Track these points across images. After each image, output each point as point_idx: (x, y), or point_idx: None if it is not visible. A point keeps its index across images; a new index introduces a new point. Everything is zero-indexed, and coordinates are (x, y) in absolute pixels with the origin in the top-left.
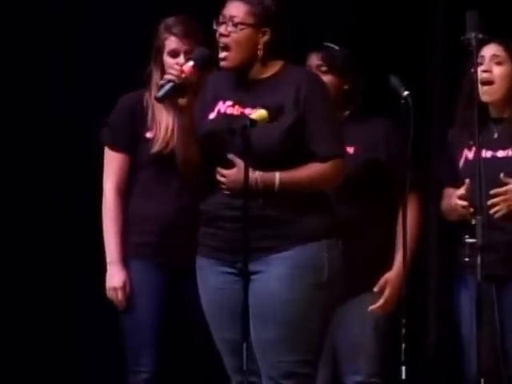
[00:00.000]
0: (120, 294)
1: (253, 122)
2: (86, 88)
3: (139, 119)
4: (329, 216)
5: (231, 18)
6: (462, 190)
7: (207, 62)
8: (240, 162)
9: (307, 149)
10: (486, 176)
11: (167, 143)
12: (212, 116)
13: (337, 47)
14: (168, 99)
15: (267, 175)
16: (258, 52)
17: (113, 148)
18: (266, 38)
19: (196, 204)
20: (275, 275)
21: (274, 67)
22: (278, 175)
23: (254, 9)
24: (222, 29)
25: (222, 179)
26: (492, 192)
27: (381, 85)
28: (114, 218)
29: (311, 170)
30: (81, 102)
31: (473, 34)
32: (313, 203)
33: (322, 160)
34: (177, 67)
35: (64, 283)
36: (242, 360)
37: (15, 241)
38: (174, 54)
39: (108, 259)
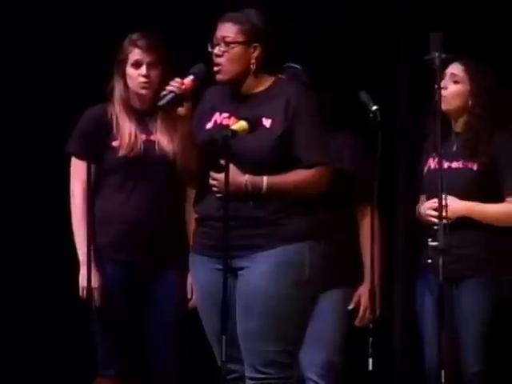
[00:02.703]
0: (94, 294)
1: (233, 132)
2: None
3: (105, 130)
4: (313, 218)
5: (223, 38)
6: (432, 203)
7: (205, 76)
8: (231, 167)
9: (294, 156)
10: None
11: (132, 148)
12: (209, 126)
13: (299, 66)
14: (168, 108)
15: (256, 178)
16: (251, 66)
17: (80, 157)
18: (257, 53)
19: (162, 205)
20: (260, 271)
21: (267, 82)
22: (265, 179)
23: (243, 27)
24: (216, 50)
25: (214, 182)
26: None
27: (351, 100)
28: (83, 222)
29: (297, 175)
30: (51, 113)
31: (436, 54)
32: (299, 206)
33: (308, 167)
34: (176, 81)
35: (40, 283)
36: (230, 350)
37: None
38: (138, 65)
39: (81, 260)
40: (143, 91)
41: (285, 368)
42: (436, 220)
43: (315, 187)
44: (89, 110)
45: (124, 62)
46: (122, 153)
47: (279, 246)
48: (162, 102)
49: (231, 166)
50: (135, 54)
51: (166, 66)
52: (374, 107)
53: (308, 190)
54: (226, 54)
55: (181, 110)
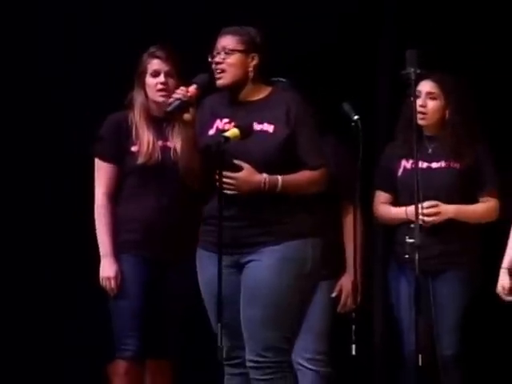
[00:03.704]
0: (112, 283)
1: (226, 139)
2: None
3: (125, 135)
4: (314, 217)
5: (224, 48)
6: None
7: (206, 85)
8: (247, 166)
9: (297, 159)
10: (423, 183)
11: (150, 156)
12: (211, 132)
13: (285, 80)
14: (175, 113)
15: (272, 177)
16: (249, 74)
17: (103, 159)
18: (254, 62)
19: (176, 205)
20: (265, 265)
21: (265, 91)
22: (280, 178)
23: (242, 38)
24: (217, 58)
25: (232, 181)
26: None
27: (336, 110)
28: (105, 219)
29: (305, 175)
30: (76, 119)
31: (411, 70)
32: (301, 206)
33: (313, 168)
34: (182, 89)
35: (63, 275)
36: (234, 340)
37: (22, 241)
38: (156, 74)
39: (102, 253)
40: (161, 98)
41: (283, 353)
42: (432, 219)
43: (319, 186)
44: (111, 116)
45: (144, 73)
46: (141, 160)
47: (283, 243)
48: (169, 108)
49: (248, 166)
50: (154, 65)
51: (181, 76)
52: (356, 117)
53: (313, 189)
54: (226, 60)
55: (187, 116)
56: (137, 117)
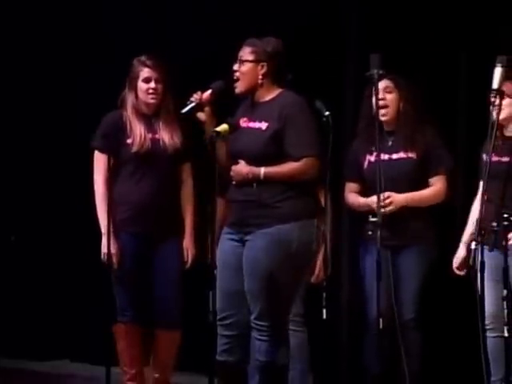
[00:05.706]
0: (114, 258)
1: (217, 133)
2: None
3: (120, 130)
4: (306, 201)
5: (240, 57)
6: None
7: (221, 90)
8: (241, 162)
9: (285, 152)
10: (385, 172)
11: (142, 145)
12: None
13: None
14: (189, 114)
15: (255, 168)
16: (259, 80)
17: (101, 151)
18: (263, 70)
19: (164, 188)
20: (258, 246)
21: (274, 93)
22: (262, 169)
23: (253, 49)
24: (235, 67)
25: (232, 173)
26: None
27: (309, 107)
28: (104, 202)
29: (288, 166)
30: (78, 118)
31: (375, 71)
32: (294, 191)
33: (296, 159)
34: (197, 93)
35: (71, 253)
36: (226, 302)
37: (41, 224)
38: (148, 80)
39: (103, 232)
40: (152, 101)
41: (276, 319)
42: (387, 210)
43: (304, 175)
44: (108, 115)
45: (135, 78)
46: (134, 149)
47: (275, 226)
48: (184, 110)
49: (241, 161)
50: (145, 72)
51: (167, 80)
52: (327, 113)
53: (298, 177)
54: (240, 69)
55: (200, 115)
56: (129, 114)
